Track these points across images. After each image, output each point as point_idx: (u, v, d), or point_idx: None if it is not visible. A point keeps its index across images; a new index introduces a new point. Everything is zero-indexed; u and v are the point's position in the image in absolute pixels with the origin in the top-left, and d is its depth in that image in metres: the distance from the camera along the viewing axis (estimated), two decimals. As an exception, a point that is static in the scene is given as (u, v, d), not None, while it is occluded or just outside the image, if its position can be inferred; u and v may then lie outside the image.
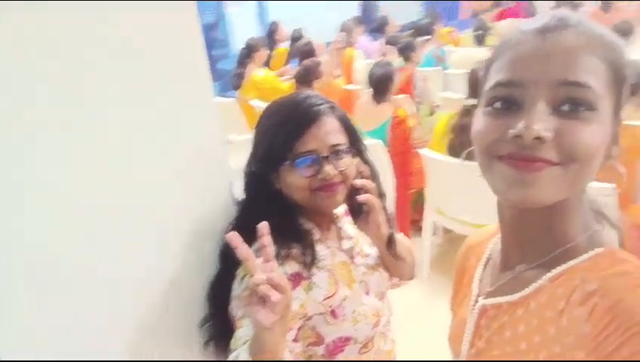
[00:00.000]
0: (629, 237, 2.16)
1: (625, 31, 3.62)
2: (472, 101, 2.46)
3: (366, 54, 5.22)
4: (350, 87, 4.24)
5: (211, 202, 1.13)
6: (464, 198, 2.56)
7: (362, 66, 4.76)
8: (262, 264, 0.76)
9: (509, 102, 0.57)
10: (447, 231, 2.96)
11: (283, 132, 0.99)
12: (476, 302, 0.72)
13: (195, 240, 1.09)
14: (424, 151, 2.59)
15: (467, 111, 2.47)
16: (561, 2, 5.43)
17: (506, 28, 5.24)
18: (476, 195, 2.42)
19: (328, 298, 0.98)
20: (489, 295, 0.70)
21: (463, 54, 4.63)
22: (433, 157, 2.54)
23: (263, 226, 0.77)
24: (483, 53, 4.45)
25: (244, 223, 0.94)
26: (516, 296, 0.64)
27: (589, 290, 0.55)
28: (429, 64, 4.49)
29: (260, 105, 3.82)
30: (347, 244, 1.11)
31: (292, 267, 0.97)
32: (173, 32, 1.03)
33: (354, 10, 7.61)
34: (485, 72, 0.64)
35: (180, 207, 1.06)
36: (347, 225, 1.14)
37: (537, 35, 0.57)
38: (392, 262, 1.13)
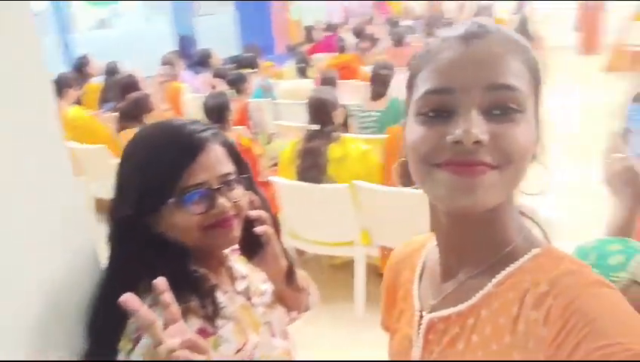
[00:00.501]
0: None
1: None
2: (315, 126, 2.55)
3: (192, 88, 5.08)
4: (182, 121, 4.04)
5: (75, 268, 0.92)
6: (318, 220, 2.63)
7: (190, 100, 4.61)
8: (165, 328, 0.65)
9: (440, 110, 0.57)
10: (300, 253, 2.98)
11: (164, 165, 0.85)
12: (421, 316, 0.69)
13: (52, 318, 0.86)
14: (275, 179, 2.59)
15: (311, 136, 2.56)
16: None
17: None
18: (329, 215, 2.57)
19: (240, 350, 0.86)
20: (434, 308, 0.67)
21: (289, 85, 4.84)
22: (285, 184, 2.55)
23: (160, 282, 0.67)
24: (308, 84, 4.72)
25: (120, 283, 0.77)
26: (465, 306, 0.63)
27: (542, 292, 0.56)
28: (258, 95, 4.56)
29: (77, 146, 3.41)
30: (242, 285, 1.00)
31: (194, 323, 0.83)
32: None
33: (167, 42, 7.39)
34: (410, 82, 0.64)
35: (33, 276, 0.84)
36: (237, 263, 1.04)
37: (461, 42, 0.58)
38: (291, 295, 1.05)
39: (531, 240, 0.63)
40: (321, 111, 2.52)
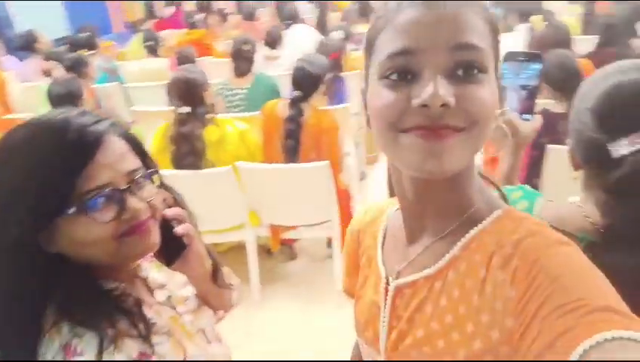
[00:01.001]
0: (340, 199, 2.47)
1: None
2: (186, 109, 2.36)
3: (19, 76, 4.36)
4: (12, 116, 3.46)
5: None
6: (203, 207, 2.47)
7: (21, 90, 3.96)
8: None
9: (404, 72, 0.55)
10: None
11: (53, 170, 0.69)
12: (387, 283, 0.68)
13: None
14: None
15: (183, 120, 2.37)
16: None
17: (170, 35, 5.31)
18: (214, 201, 2.43)
19: None
20: (401, 274, 0.67)
21: (138, 66, 4.42)
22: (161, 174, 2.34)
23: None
24: (160, 64, 4.37)
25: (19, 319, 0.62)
26: (432, 270, 0.63)
27: (507, 253, 0.56)
28: (103, 80, 4.09)
29: None
30: (163, 295, 0.88)
31: (131, 346, 0.70)
32: None
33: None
34: (369, 46, 0.60)
35: None
36: (150, 271, 0.90)
37: (420, 2, 0.56)
38: (216, 294, 0.96)
39: (491, 202, 0.64)
40: (190, 92, 2.33)
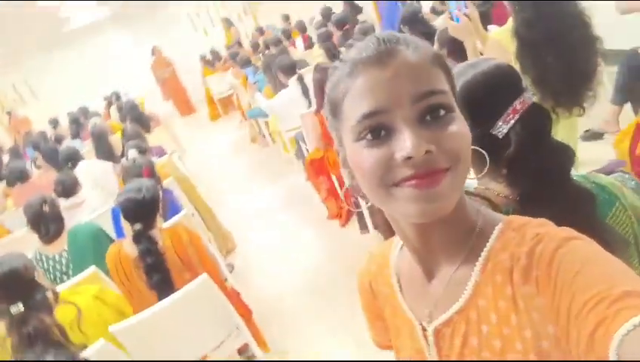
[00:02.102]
0: (234, 302, 2.32)
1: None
2: (19, 306, 1.92)
3: None
4: None
5: None
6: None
7: None
8: None
9: (378, 130, 0.58)
10: None
11: None
12: (423, 328, 0.68)
13: None
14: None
15: (20, 320, 1.91)
16: None
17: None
18: None
19: None
20: (432, 316, 0.67)
21: None
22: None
23: None
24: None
25: None
26: (461, 303, 0.64)
27: (524, 265, 0.58)
28: None
29: None
30: None
31: None
32: None
33: None
34: (334, 111, 0.63)
35: None
36: None
37: (377, 61, 0.58)
38: None
39: (489, 218, 0.67)
40: (19, 285, 1.91)
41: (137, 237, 2.14)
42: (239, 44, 9.09)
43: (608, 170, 1.85)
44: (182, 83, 10.32)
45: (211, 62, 9.35)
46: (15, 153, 7.00)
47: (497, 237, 0.63)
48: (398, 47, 0.59)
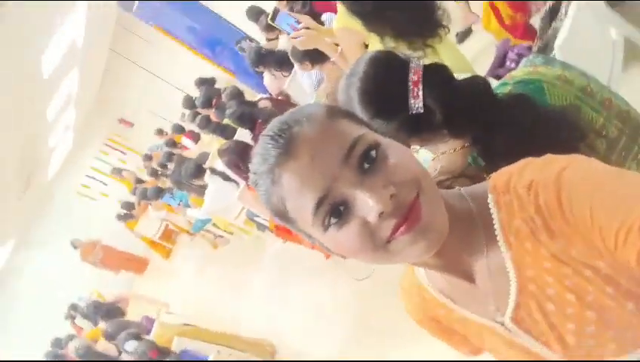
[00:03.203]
0: None
1: None
2: None
3: None
4: None
5: None
6: None
7: None
8: None
9: (337, 210, 0.56)
10: None
11: None
12: (502, 324, 0.67)
13: None
14: None
15: None
16: None
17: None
18: None
19: None
20: (500, 310, 0.65)
21: None
22: None
23: None
24: None
25: None
26: (514, 283, 0.62)
27: (541, 224, 0.58)
28: None
29: None
30: None
31: None
32: None
33: None
34: (284, 218, 0.61)
35: None
36: None
37: (285, 157, 0.56)
38: None
39: (474, 195, 0.65)
40: None
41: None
42: (139, 180, 8.95)
43: (502, 53, 1.97)
44: (117, 248, 10.01)
45: (129, 214, 9.15)
46: None
47: (497, 210, 0.62)
48: (293, 131, 0.57)
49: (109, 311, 5.62)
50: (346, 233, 0.56)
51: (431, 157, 1.09)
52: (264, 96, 4.40)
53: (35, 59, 6.20)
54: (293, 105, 3.61)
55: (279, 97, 4.07)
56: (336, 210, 0.56)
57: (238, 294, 5.26)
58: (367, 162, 0.56)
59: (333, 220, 0.56)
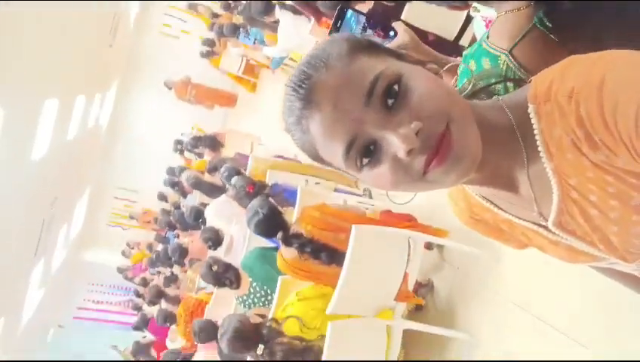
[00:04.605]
0: None
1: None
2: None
3: None
4: None
5: None
6: None
7: None
8: None
9: (367, 150, 0.57)
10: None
11: None
12: (545, 228, 0.67)
13: None
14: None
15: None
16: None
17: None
18: None
19: None
20: (543, 215, 0.66)
21: None
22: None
23: None
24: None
25: None
26: (556, 191, 0.62)
27: (582, 137, 0.56)
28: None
29: None
30: None
31: None
32: None
33: None
34: (320, 160, 0.63)
35: None
36: None
37: (309, 106, 0.57)
38: None
39: (513, 103, 0.63)
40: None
41: (286, 242, 2.41)
42: (215, 15, 8.90)
43: None
44: (208, 85, 10.52)
45: (211, 51, 9.35)
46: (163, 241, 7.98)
47: (538, 120, 0.59)
48: (312, 81, 0.57)
49: (210, 142, 6.22)
50: (380, 171, 0.58)
51: (495, 16, 1.02)
52: None
53: None
54: None
55: None
56: (367, 150, 0.57)
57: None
58: (390, 97, 0.56)
59: (365, 160, 0.58)
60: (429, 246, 2.82)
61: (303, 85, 0.58)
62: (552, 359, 2.13)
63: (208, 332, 2.83)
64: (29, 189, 6.99)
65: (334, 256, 2.40)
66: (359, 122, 0.56)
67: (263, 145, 5.90)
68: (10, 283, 7.41)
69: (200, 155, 7.08)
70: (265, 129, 7.40)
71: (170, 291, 5.90)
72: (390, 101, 0.56)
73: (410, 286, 2.56)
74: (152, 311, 6.21)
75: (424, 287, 2.93)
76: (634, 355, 1.80)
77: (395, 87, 0.56)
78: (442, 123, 0.55)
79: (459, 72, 1.02)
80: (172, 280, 6.12)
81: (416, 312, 2.87)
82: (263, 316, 2.51)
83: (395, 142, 0.54)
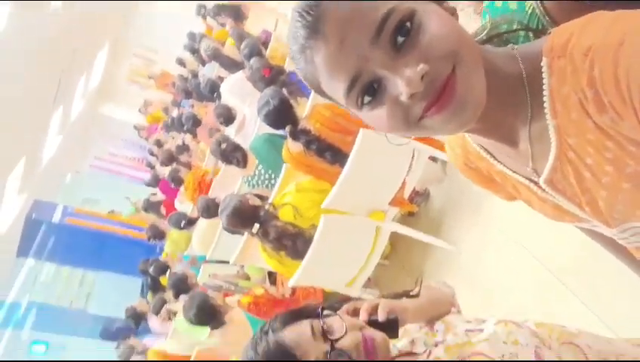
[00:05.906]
0: None
1: None
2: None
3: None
4: None
5: None
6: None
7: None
8: None
9: (370, 88, 0.56)
10: None
11: None
12: (535, 183, 0.68)
13: None
14: None
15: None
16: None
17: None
18: None
19: None
20: (537, 171, 0.66)
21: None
22: None
23: None
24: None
25: None
26: (554, 150, 0.62)
27: (592, 98, 0.54)
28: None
29: None
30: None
31: None
32: None
33: None
34: (320, 92, 0.63)
35: None
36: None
37: (314, 36, 0.55)
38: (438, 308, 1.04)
39: (527, 55, 0.61)
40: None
41: (293, 137, 2.45)
42: None
43: None
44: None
45: None
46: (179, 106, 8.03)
47: (549, 74, 0.58)
48: (321, 8, 0.55)
49: (234, 12, 5.96)
50: (380, 112, 0.57)
51: None
52: None
53: None
54: None
55: None
56: (369, 88, 0.56)
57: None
58: (401, 35, 0.54)
59: (366, 99, 0.56)
60: (434, 158, 2.85)
61: (311, 12, 0.55)
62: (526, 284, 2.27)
63: (210, 209, 3.05)
64: (47, 37, 6.91)
65: (338, 157, 2.46)
66: (365, 59, 0.54)
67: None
68: (30, 127, 7.66)
69: (222, 25, 6.83)
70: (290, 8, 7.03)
71: (182, 158, 6.10)
72: (400, 39, 0.54)
73: (407, 194, 2.65)
74: (164, 171, 6.50)
75: (420, 196, 3.02)
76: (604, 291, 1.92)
77: (407, 24, 0.53)
78: (449, 66, 0.53)
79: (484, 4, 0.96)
80: (184, 149, 6.29)
81: (408, 217, 3.01)
82: (262, 198, 2.64)
83: (399, 85, 0.53)
